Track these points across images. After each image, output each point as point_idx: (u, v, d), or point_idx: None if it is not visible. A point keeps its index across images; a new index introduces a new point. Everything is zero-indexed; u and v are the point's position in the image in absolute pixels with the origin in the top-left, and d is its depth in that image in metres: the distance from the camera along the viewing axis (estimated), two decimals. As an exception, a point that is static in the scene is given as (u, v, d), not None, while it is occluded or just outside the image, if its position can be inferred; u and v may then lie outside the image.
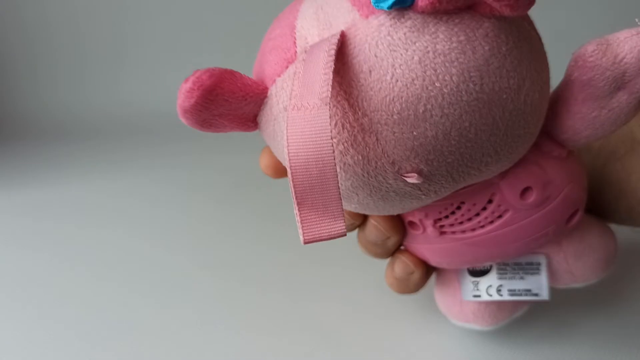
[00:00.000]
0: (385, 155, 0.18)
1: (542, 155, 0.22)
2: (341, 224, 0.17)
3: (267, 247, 0.43)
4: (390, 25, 0.17)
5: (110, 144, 0.80)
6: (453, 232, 0.23)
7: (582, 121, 0.21)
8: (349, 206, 0.22)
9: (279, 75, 0.19)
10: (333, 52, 0.16)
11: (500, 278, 0.25)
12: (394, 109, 0.17)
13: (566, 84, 0.21)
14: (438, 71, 0.16)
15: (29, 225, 0.52)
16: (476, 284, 0.26)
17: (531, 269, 0.25)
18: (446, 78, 0.16)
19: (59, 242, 0.47)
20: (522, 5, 0.16)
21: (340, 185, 0.19)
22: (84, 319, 0.35)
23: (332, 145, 0.16)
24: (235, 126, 0.20)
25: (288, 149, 0.16)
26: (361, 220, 0.26)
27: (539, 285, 0.25)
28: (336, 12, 0.18)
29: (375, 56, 0.17)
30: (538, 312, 0.30)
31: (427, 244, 0.25)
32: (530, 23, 0.19)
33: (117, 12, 0.98)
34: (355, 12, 0.18)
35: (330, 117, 0.17)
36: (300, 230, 0.17)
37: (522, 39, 0.18)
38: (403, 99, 0.17)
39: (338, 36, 0.17)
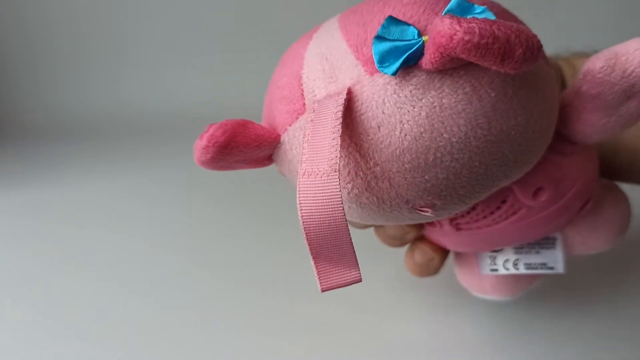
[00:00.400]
0: (399, 196, 0.19)
1: (554, 155, 0.22)
2: (356, 272, 0.18)
3: (267, 247, 0.43)
4: (396, 84, 0.17)
5: (110, 144, 0.80)
6: (469, 228, 0.24)
7: (592, 127, 0.21)
8: (367, 223, 0.23)
9: (290, 125, 0.20)
10: (340, 114, 0.17)
11: (516, 252, 0.26)
12: (405, 160, 0.17)
13: (576, 93, 0.21)
14: (445, 123, 0.17)
15: (29, 225, 0.52)
16: (493, 258, 0.26)
17: (547, 243, 0.26)
18: (454, 129, 0.17)
19: (59, 242, 0.47)
20: (525, 67, 0.15)
21: (357, 217, 0.20)
22: (84, 319, 0.35)
23: (343, 209, 0.16)
24: (252, 166, 0.22)
25: (301, 213, 0.17)
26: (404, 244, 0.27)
27: (555, 259, 0.26)
28: (341, 63, 0.19)
29: (383, 113, 0.17)
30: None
31: (445, 237, 0.25)
32: None
33: (117, 12, 0.98)
34: (360, 68, 0.18)
35: (343, 166, 0.18)
36: (317, 280, 0.18)
37: (529, 74, 0.18)
38: (413, 150, 0.17)
39: (344, 96, 0.18)
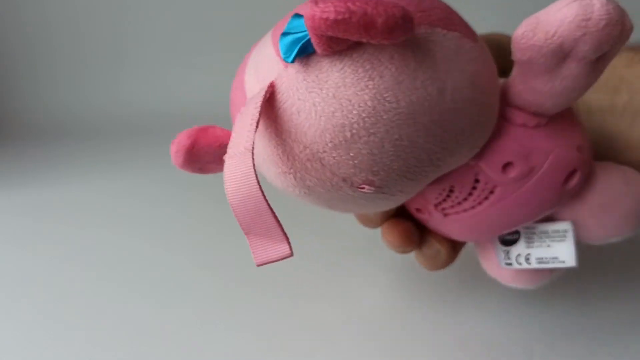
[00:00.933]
0: (334, 175, 0.20)
1: (517, 128, 0.22)
2: (285, 247, 0.19)
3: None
4: (304, 71, 0.19)
5: (110, 144, 0.80)
6: (456, 213, 0.24)
7: (541, 95, 0.21)
8: (343, 210, 0.23)
9: None
10: (259, 104, 0.19)
11: (528, 247, 0.26)
12: (326, 139, 0.19)
13: (515, 63, 0.21)
14: (352, 101, 0.18)
15: (29, 225, 0.52)
16: (507, 253, 0.26)
17: (558, 236, 0.25)
18: (361, 105, 0.18)
19: (59, 242, 0.47)
20: (398, 35, 0.16)
21: (322, 201, 0.22)
22: (84, 319, 0.35)
23: (258, 185, 0.18)
24: None
25: (227, 190, 0.19)
26: (380, 224, 0.28)
27: (566, 252, 0.25)
28: (268, 63, 0.20)
29: (299, 99, 0.19)
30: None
31: (441, 226, 0.26)
32: (448, 25, 0.20)
33: (117, 12, 0.98)
34: (279, 63, 0.20)
35: (283, 152, 0.20)
36: (252, 255, 0.20)
37: (434, 46, 0.19)
38: (330, 129, 0.19)
39: (265, 89, 0.20)
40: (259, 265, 0.20)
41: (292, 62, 0.19)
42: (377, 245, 0.29)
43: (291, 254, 0.19)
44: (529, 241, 0.26)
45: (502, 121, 0.22)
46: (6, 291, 0.39)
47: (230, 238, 0.45)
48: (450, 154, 0.20)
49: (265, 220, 0.19)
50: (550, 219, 0.25)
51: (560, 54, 0.19)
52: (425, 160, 0.20)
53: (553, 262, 0.25)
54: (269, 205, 0.19)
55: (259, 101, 0.19)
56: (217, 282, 0.38)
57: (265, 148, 0.21)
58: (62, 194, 0.60)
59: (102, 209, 0.55)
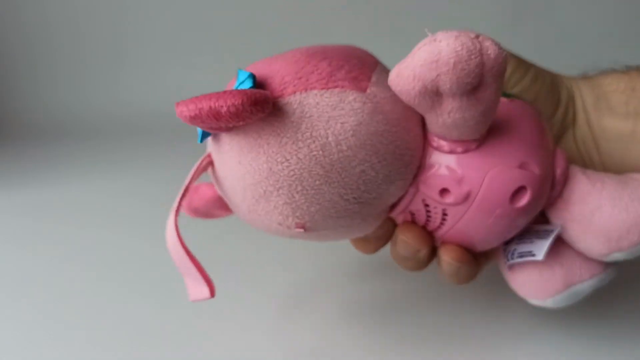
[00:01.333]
0: (272, 220, 0.23)
1: (447, 155, 0.23)
2: (206, 290, 0.24)
3: (267, 247, 0.43)
4: (218, 146, 0.23)
5: (110, 144, 0.80)
6: (431, 231, 0.25)
7: (438, 127, 0.22)
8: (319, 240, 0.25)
9: None
10: (193, 171, 0.24)
11: (517, 242, 0.26)
12: (249, 196, 0.22)
13: None
14: (253, 165, 0.21)
15: (29, 225, 0.52)
16: (504, 249, 0.27)
17: (545, 235, 0.25)
18: (260, 167, 0.21)
19: (59, 242, 0.47)
20: (247, 117, 0.19)
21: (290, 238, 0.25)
22: (84, 319, 0.35)
23: (180, 241, 0.23)
24: (231, 211, 0.28)
25: (166, 240, 0.23)
26: (387, 239, 0.27)
27: (540, 247, 0.25)
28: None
29: (220, 168, 0.23)
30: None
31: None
32: (329, 83, 0.21)
33: (117, 12, 0.98)
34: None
35: (233, 206, 0.24)
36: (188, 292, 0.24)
37: (310, 108, 0.21)
38: (247, 189, 0.22)
39: (201, 159, 0.24)
40: (192, 301, 0.24)
41: (201, 142, 0.23)
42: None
43: (211, 297, 0.23)
44: (520, 237, 0.26)
45: (433, 149, 0.23)
46: (6, 291, 0.39)
47: (230, 238, 0.45)
48: (366, 191, 0.22)
49: (189, 267, 0.23)
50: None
51: (430, 94, 0.20)
52: (340, 202, 0.22)
53: (527, 256, 0.25)
54: (190, 256, 0.23)
55: (194, 169, 0.23)
56: (217, 282, 0.38)
57: (225, 199, 0.25)
58: (62, 194, 0.60)
59: (102, 209, 0.55)
